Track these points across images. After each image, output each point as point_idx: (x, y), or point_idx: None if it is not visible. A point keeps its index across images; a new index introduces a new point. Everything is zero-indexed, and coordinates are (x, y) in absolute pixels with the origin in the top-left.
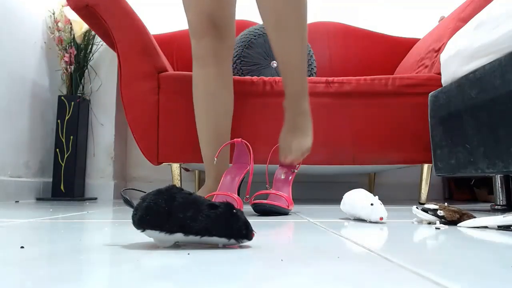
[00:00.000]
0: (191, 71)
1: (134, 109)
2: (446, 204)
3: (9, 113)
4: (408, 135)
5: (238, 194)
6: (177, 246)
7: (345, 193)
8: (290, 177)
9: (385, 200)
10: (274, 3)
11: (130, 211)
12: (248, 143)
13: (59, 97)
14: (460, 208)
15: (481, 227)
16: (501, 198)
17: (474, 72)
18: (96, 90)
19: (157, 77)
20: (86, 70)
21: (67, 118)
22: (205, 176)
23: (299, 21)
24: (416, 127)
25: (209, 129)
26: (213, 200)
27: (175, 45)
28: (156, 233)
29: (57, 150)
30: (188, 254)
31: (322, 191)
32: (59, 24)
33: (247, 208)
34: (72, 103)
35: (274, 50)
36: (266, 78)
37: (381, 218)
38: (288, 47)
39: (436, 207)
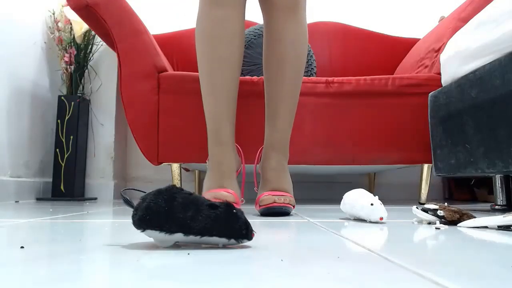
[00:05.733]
0: (191, 71)
1: (134, 109)
2: (446, 204)
3: (9, 113)
4: (408, 135)
5: None
6: (177, 246)
7: (345, 193)
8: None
9: (385, 200)
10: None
11: (130, 211)
12: (238, 146)
13: (59, 97)
14: (460, 208)
15: (481, 227)
16: (501, 198)
17: (474, 72)
18: (96, 90)
19: (157, 77)
20: (86, 70)
21: (67, 118)
22: (205, 176)
23: (299, 70)
24: (416, 127)
25: (224, 77)
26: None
27: (175, 45)
28: (156, 233)
29: (57, 150)
30: (188, 254)
31: (322, 191)
32: (59, 24)
33: (247, 208)
34: (72, 103)
35: (267, 96)
36: None
37: (381, 218)
38: (281, 96)
39: (436, 207)
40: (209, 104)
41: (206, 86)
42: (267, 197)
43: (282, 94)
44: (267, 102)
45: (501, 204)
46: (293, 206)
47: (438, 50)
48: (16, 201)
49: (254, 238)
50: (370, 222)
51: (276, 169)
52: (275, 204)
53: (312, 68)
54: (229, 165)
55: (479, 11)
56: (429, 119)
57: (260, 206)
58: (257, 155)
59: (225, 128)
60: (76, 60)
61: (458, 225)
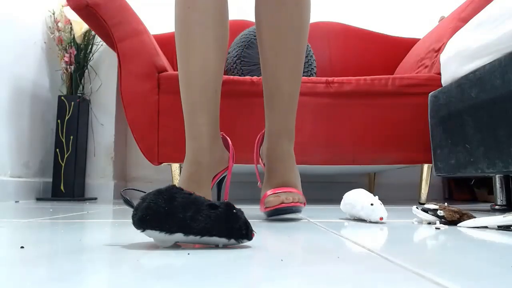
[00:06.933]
0: None
1: (134, 109)
2: (446, 204)
3: (9, 113)
4: (408, 135)
5: (219, 198)
6: (177, 246)
7: (345, 193)
8: None
9: (385, 200)
10: (276, 18)
11: (130, 211)
12: (228, 138)
13: (59, 97)
14: (460, 208)
15: (481, 227)
16: (501, 198)
17: (474, 72)
18: (96, 90)
19: (157, 77)
20: (86, 70)
21: (67, 118)
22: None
23: (300, 43)
24: (416, 127)
25: (196, 63)
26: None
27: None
28: (156, 233)
29: (57, 150)
30: (188, 254)
31: (322, 191)
32: (59, 24)
33: (248, 208)
34: (72, 103)
35: (266, 72)
36: None
37: (381, 218)
38: (283, 70)
39: (436, 207)
40: (182, 94)
41: (180, 76)
42: (273, 198)
43: (285, 66)
44: (265, 79)
45: (501, 204)
46: (304, 204)
47: (438, 50)
48: (16, 201)
49: (254, 238)
50: (370, 222)
51: (281, 159)
52: (283, 205)
53: (312, 68)
54: (203, 165)
55: (479, 11)
56: (429, 119)
57: (266, 207)
58: (256, 141)
59: (199, 118)
60: (76, 60)
61: (458, 225)
